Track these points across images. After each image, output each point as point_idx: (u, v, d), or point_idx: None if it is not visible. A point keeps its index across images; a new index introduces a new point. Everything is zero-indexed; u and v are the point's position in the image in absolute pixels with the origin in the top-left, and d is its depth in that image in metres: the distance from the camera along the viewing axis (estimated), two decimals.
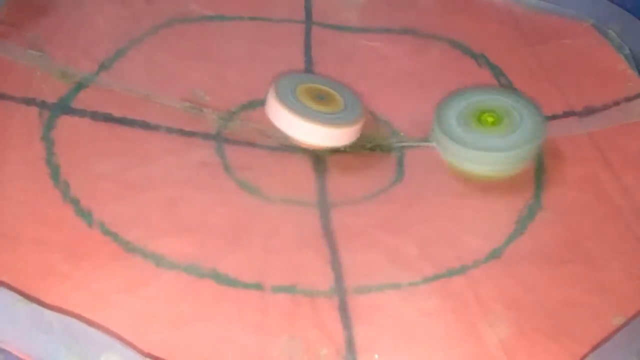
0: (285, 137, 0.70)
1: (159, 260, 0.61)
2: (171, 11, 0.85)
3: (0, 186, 0.65)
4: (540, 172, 0.71)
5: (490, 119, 0.69)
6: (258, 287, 0.60)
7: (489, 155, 0.68)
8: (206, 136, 0.73)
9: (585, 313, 0.60)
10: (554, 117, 0.77)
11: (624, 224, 0.67)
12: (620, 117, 0.77)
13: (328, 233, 0.65)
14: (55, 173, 0.67)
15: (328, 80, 0.76)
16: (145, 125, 0.73)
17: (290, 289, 0.60)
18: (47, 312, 0.55)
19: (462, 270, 0.62)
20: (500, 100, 0.72)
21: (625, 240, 0.65)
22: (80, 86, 0.75)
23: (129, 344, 0.54)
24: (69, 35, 0.80)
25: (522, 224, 0.66)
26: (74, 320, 0.54)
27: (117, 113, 0.73)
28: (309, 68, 0.81)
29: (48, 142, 0.69)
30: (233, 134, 0.73)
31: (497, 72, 0.82)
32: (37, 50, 0.77)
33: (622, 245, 0.65)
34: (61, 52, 0.78)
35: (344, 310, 0.59)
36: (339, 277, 0.62)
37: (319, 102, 0.70)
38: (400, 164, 0.73)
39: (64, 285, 0.58)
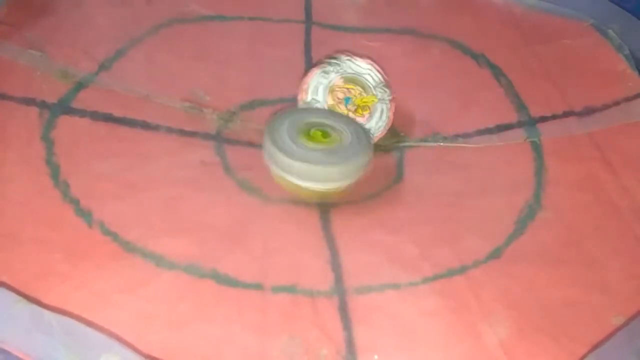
0: None
1: (158, 260, 0.61)
2: (171, 11, 0.85)
3: (0, 186, 0.65)
4: (540, 172, 0.71)
5: (319, 134, 0.67)
6: (258, 287, 0.60)
7: (316, 170, 0.65)
8: (206, 136, 0.73)
9: (585, 313, 0.60)
10: (554, 117, 0.77)
11: (624, 224, 0.67)
12: (620, 117, 0.77)
13: (328, 233, 0.65)
14: (55, 173, 0.67)
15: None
16: (145, 125, 0.73)
17: (290, 289, 0.60)
18: (46, 312, 0.55)
19: (462, 270, 0.62)
20: (329, 119, 0.70)
21: (625, 240, 0.65)
22: (80, 86, 0.75)
23: (129, 345, 0.54)
24: (69, 35, 0.80)
25: (522, 224, 0.66)
26: (73, 321, 0.55)
27: (117, 113, 0.73)
28: (309, 68, 0.81)
29: (48, 142, 0.69)
30: (233, 134, 0.73)
31: (497, 72, 0.82)
32: (37, 50, 0.77)
33: (622, 245, 0.65)
34: (61, 52, 0.78)
35: (344, 310, 0.59)
36: (338, 277, 0.62)
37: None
38: (400, 164, 0.73)
39: (64, 285, 0.58)
